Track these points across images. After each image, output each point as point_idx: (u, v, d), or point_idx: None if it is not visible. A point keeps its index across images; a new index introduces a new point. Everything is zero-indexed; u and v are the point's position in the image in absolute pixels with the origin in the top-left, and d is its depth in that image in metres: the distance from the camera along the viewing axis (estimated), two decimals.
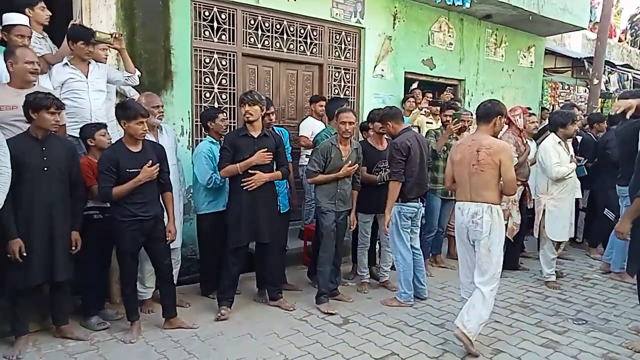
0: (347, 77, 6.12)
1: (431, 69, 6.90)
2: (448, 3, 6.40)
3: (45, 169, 3.00)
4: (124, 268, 3.28)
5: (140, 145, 3.24)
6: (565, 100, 9.54)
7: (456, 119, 4.57)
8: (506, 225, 4.07)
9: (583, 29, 8.65)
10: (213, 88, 5.02)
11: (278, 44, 5.44)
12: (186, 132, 4.72)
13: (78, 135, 3.51)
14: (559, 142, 4.48)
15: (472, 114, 4.92)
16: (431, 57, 6.85)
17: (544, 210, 4.51)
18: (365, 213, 4.29)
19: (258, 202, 3.64)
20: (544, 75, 9.07)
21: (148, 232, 3.27)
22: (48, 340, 3.21)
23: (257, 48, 5.28)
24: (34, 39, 3.55)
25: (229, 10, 5.02)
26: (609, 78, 9.98)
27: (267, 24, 5.30)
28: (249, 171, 3.59)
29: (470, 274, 3.41)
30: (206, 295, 4.10)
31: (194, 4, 4.77)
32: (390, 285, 4.38)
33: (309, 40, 5.69)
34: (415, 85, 6.77)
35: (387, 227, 3.92)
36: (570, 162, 4.51)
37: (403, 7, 6.41)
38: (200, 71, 4.90)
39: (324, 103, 5.12)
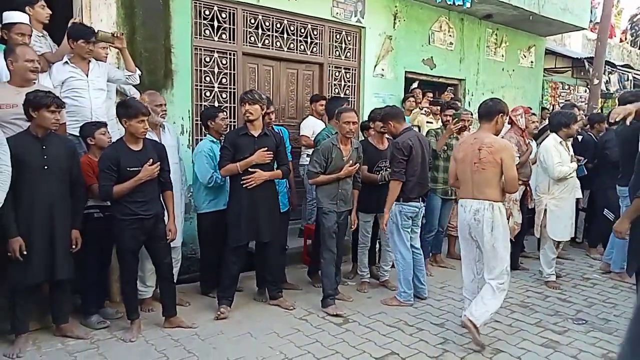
0: (348, 76, 6.12)
1: (431, 69, 6.90)
2: (448, 3, 6.39)
3: (46, 167, 3.00)
4: (124, 267, 3.28)
5: (141, 144, 3.23)
6: (566, 101, 9.54)
7: (456, 119, 4.57)
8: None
9: (583, 29, 8.65)
10: (213, 87, 5.02)
11: (278, 43, 5.43)
12: (186, 131, 4.72)
13: (78, 134, 3.51)
14: (560, 142, 4.49)
15: (472, 114, 4.94)
16: (431, 57, 6.85)
17: (546, 210, 4.52)
18: (366, 212, 4.29)
19: (258, 201, 3.64)
20: (544, 75, 9.07)
21: (148, 231, 3.26)
22: (48, 338, 3.21)
23: (258, 47, 5.28)
24: (34, 38, 3.54)
25: (230, 9, 5.02)
26: (609, 78, 9.99)
27: (267, 23, 5.30)
28: (250, 169, 3.59)
29: (472, 273, 3.43)
30: (206, 294, 4.10)
31: (195, 2, 4.76)
32: (390, 285, 4.38)
33: (309, 40, 5.69)
34: (415, 85, 6.76)
35: (386, 226, 3.93)
36: (571, 161, 4.52)
37: (403, 6, 6.40)
38: (201, 70, 4.90)
39: (324, 102, 5.12)
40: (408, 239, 4.00)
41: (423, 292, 4.13)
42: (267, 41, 5.33)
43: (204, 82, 4.95)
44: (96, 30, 3.70)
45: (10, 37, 3.33)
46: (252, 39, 5.23)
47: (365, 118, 4.93)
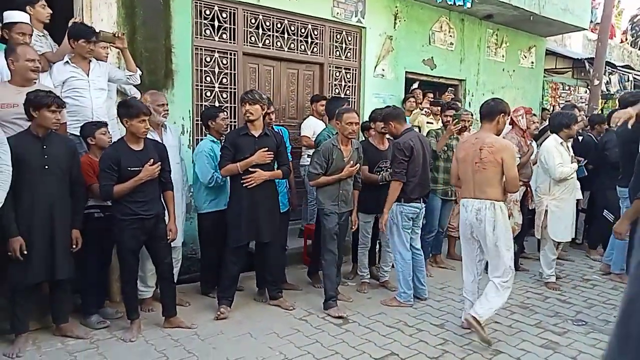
0: (348, 76, 6.12)
1: (432, 69, 6.90)
2: (449, 3, 6.39)
3: (46, 167, 3.00)
4: (125, 266, 3.29)
5: (142, 144, 3.23)
6: (566, 101, 9.54)
7: (456, 120, 4.56)
8: None
9: (584, 29, 8.65)
10: (214, 87, 5.01)
11: (279, 43, 5.43)
12: (187, 131, 4.72)
13: (79, 134, 3.51)
14: (561, 143, 4.49)
15: (472, 114, 4.94)
16: (432, 57, 6.85)
17: (546, 211, 4.52)
18: (367, 213, 4.28)
19: (258, 201, 3.64)
20: (544, 76, 9.07)
21: (149, 231, 3.26)
22: (48, 338, 3.21)
23: (258, 47, 5.28)
24: (34, 37, 3.54)
25: (230, 9, 5.02)
26: (609, 79, 9.99)
27: (268, 23, 5.30)
28: (250, 169, 3.59)
29: (472, 274, 3.44)
30: (206, 294, 4.10)
31: (195, 2, 4.76)
32: (390, 285, 4.38)
33: (309, 40, 5.69)
34: (415, 85, 6.76)
35: (385, 227, 3.93)
36: (572, 162, 4.52)
37: (404, 6, 6.40)
38: (201, 70, 4.90)
39: (324, 102, 5.11)
40: (407, 239, 4.00)
41: (423, 293, 4.13)
42: (267, 41, 5.33)
43: (205, 82, 4.94)
44: (97, 30, 3.70)
45: (11, 37, 3.33)
46: (253, 39, 5.22)
47: (366, 118, 4.92)
